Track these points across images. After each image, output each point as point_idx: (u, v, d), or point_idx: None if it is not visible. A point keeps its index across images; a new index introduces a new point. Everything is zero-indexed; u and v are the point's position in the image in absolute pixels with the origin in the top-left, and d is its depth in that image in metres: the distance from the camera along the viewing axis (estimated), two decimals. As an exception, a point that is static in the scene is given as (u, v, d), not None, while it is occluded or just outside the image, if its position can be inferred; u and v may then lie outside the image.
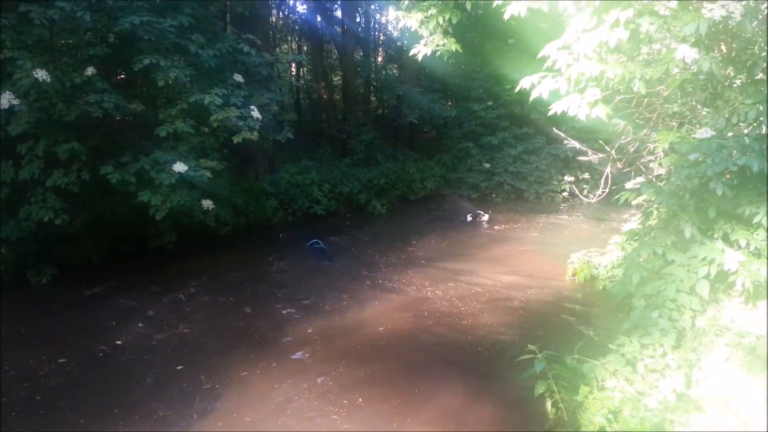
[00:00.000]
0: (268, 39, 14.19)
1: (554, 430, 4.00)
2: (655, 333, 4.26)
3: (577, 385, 4.09)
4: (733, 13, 4.05)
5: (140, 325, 6.46)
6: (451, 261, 9.08)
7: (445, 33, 6.60)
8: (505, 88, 14.59)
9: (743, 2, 4.37)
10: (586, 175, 14.33)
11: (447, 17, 6.41)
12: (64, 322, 6.46)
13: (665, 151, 5.30)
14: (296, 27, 19.45)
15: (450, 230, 11.57)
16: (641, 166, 6.65)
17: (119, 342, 6.00)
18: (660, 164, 5.53)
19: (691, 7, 4.63)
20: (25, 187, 7.35)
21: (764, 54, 4.47)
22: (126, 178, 7.30)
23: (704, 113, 5.46)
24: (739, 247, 4.32)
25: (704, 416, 3.68)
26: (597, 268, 7.23)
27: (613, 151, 6.66)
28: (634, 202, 5.90)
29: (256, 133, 8.21)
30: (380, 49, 20.24)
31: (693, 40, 4.53)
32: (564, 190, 14.59)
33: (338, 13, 17.52)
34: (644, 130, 6.31)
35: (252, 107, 8.26)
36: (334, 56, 19.46)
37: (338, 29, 17.41)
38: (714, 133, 4.50)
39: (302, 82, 19.63)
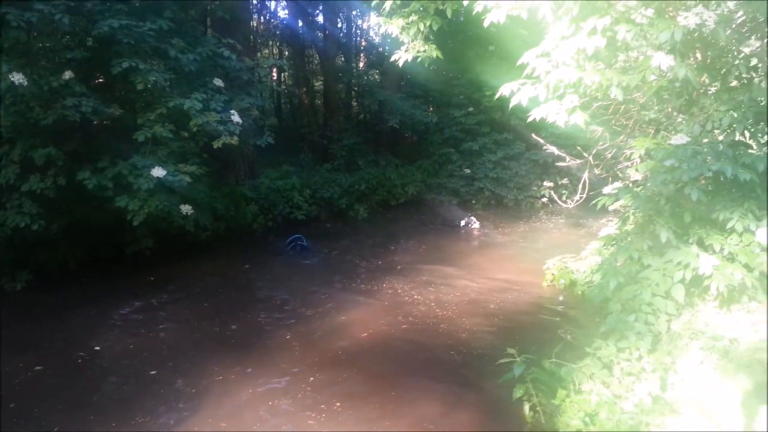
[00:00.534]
0: (249, 43, 14.10)
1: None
2: (631, 337, 4.32)
3: (554, 389, 4.12)
4: (707, 21, 4.13)
5: (117, 330, 6.37)
6: (431, 266, 9.09)
7: (426, 39, 6.63)
8: (485, 95, 14.69)
9: (717, 11, 4.47)
10: (565, 181, 14.48)
11: (428, 24, 6.44)
12: (41, 329, 6.34)
13: (641, 157, 5.39)
14: (277, 32, 19.36)
15: (431, 235, 11.60)
16: (618, 172, 6.75)
17: (97, 348, 5.90)
18: (636, 170, 5.62)
19: (666, 15, 4.73)
20: (0, 192, 7.21)
21: (737, 62, 4.57)
22: (103, 183, 7.20)
23: (680, 120, 5.56)
24: (714, 252, 4.40)
25: (679, 419, 3.73)
26: (575, 273, 7.30)
27: (590, 157, 6.75)
28: (611, 208, 5.98)
29: (236, 138, 8.16)
30: (362, 55, 20.26)
31: (668, 47, 4.62)
32: (543, 196, 14.72)
33: (320, 19, 17.50)
34: (621, 137, 6.41)
35: (232, 112, 8.21)
36: (316, 61, 19.43)
37: (320, 34, 17.39)
38: (689, 139, 4.59)
39: (283, 87, 19.57)
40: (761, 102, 4.45)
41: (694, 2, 4.63)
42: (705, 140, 4.72)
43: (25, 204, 7.05)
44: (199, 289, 7.86)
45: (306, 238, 10.40)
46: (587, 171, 6.85)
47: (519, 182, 14.86)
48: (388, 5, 6.45)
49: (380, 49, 18.55)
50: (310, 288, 7.99)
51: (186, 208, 7.83)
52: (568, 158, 7.11)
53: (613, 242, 5.94)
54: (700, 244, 4.55)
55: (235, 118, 8.17)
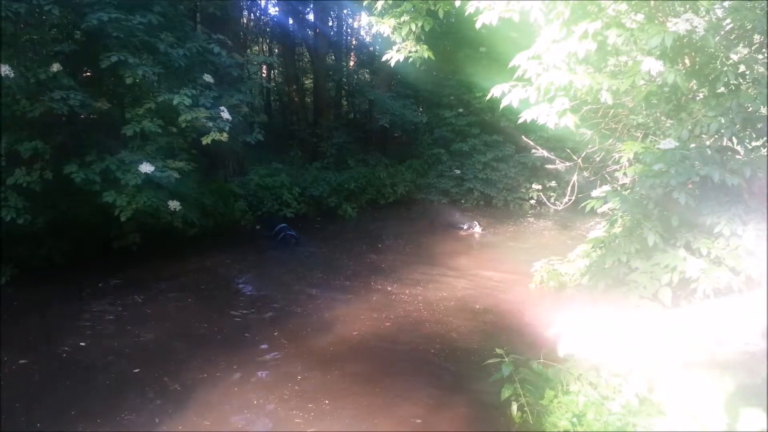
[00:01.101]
0: (239, 40, 14.03)
1: (520, 434, 4.04)
2: (618, 338, 4.35)
3: (542, 389, 4.15)
4: (696, 27, 4.18)
5: (102, 326, 6.30)
6: (419, 265, 9.10)
7: (418, 40, 6.64)
8: (475, 96, 14.76)
9: (705, 18, 4.53)
10: (554, 183, 14.59)
11: (419, 24, 6.45)
12: (25, 324, 6.25)
13: (630, 161, 5.44)
14: (268, 29, 19.28)
15: (420, 235, 11.61)
16: (607, 175, 6.81)
17: (82, 343, 5.84)
18: (625, 174, 5.68)
19: (656, 21, 4.77)
20: (-15, 185, 7.12)
21: (725, 69, 4.62)
22: (90, 178, 7.13)
23: (668, 125, 5.61)
24: (701, 255, 4.45)
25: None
26: (563, 275, 7.34)
27: (579, 160, 6.80)
28: (599, 210, 6.03)
29: (225, 135, 8.11)
30: (352, 54, 20.25)
31: (658, 52, 4.67)
32: (532, 198, 14.82)
33: (310, 17, 17.45)
34: (610, 140, 6.47)
35: (222, 108, 8.17)
36: (306, 59, 19.38)
37: (310, 32, 17.36)
38: (677, 144, 4.63)
39: (273, 84, 19.48)
40: (749, 108, 4.50)
41: (683, 9, 4.68)
42: (693, 145, 4.77)
43: (11, 197, 6.95)
44: (186, 285, 7.80)
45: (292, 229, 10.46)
46: (576, 174, 6.89)
47: (508, 184, 14.94)
48: (379, 5, 6.44)
49: (371, 49, 18.59)
50: (298, 285, 7.97)
51: (174, 204, 7.77)
52: (557, 161, 7.16)
53: (601, 245, 5.99)
54: (688, 247, 4.61)
55: (225, 114, 8.12)
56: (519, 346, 5.10)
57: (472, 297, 7.51)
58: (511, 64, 5.20)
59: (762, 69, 4.72)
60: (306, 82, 19.29)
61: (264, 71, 19.30)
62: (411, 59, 6.70)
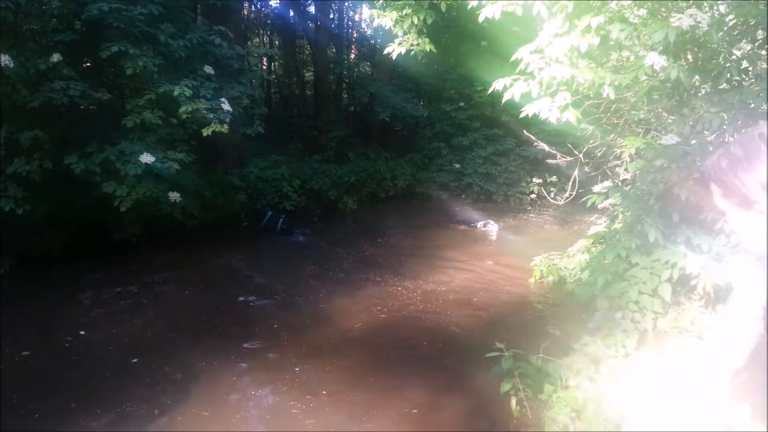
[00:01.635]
0: (240, 32, 13.96)
1: (519, 430, 4.04)
2: (618, 334, 4.37)
3: (541, 384, 4.15)
4: (700, 22, 4.15)
5: (102, 317, 6.30)
6: (419, 259, 9.11)
7: (420, 33, 6.60)
8: (476, 90, 14.72)
9: (708, 13, 4.50)
10: (554, 178, 14.57)
11: (422, 17, 6.41)
12: (26, 315, 6.25)
13: (631, 156, 5.42)
14: (269, 21, 19.20)
15: (420, 229, 11.60)
16: (608, 171, 6.79)
17: (82, 332, 5.85)
18: (626, 169, 5.66)
19: (660, 16, 4.75)
20: (-16, 175, 7.09)
21: (728, 64, 4.60)
22: (90, 169, 7.10)
23: (670, 120, 5.60)
24: (701, 252, 4.45)
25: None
26: (563, 270, 7.35)
27: (581, 155, 6.78)
28: (600, 206, 6.03)
29: (226, 126, 8.08)
30: (353, 47, 20.18)
31: (661, 48, 4.65)
32: (532, 192, 14.81)
33: (311, 9, 17.38)
34: (611, 135, 6.44)
35: (222, 100, 8.13)
36: (307, 52, 19.32)
37: (311, 25, 17.28)
38: (679, 139, 4.62)
39: (274, 76, 19.42)
40: (751, 104, 4.49)
41: (686, 3, 4.65)
42: (694, 141, 4.76)
43: (10, 188, 6.93)
44: (185, 277, 7.80)
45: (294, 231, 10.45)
46: (577, 169, 6.88)
47: (508, 178, 14.93)
48: (381, -3, 6.42)
49: (372, 42, 18.51)
50: (298, 278, 7.98)
51: (174, 196, 7.76)
52: (558, 155, 7.14)
53: (602, 240, 5.99)
54: (688, 243, 4.61)
55: (225, 106, 8.09)
56: (518, 340, 5.09)
57: (471, 291, 7.52)
58: (513, 58, 5.18)
59: (765, 65, 4.70)
60: (307, 74, 19.24)
61: (265, 63, 19.24)
62: (413, 53, 6.66)
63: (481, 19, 5.23)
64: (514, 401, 4.12)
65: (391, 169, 15.12)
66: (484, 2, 5.15)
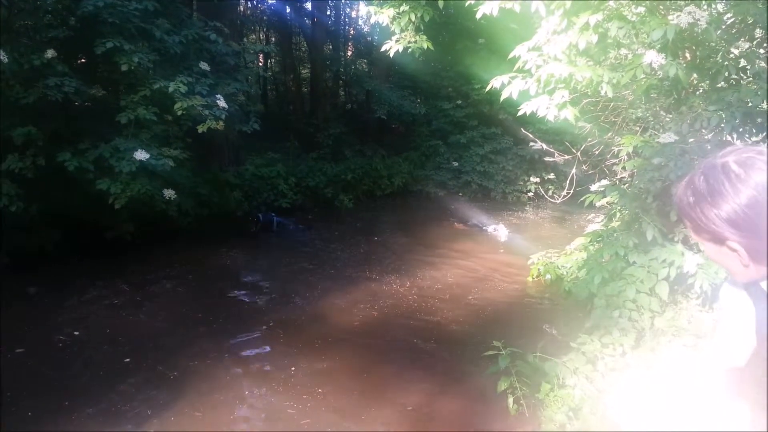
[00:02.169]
0: (236, 28, 13.90)
1: (515, 430, 4.02)
2: (615, 332, 4.34)
3: (538, 383, 4.13)
4: (699, 20, 4.13)
5: (96, 315, 6.26)
6: (415, 256, 9.08)
7: (417, 30, 6.57)
8: (474, 88, 14.69)
9: (707, 11, 4.48)
10: (552, 176, 14.56)
11: (419, 14, 6.38)
12: (20, 312, 6.19)
13: (629, 155, 5.41)
14: (265, 17, 19.14)
15: (417, 226, 11.57)
16: (605, 169, 6.77)
17: (76, 333, 5.80)
18: (624, 167, 5.65)
19: (658, 14, 4.72)
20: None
21: (726, 63, 4.59)
22: (84, 165, 7.05)
23: (668, 119, 5.58)
24: (699, 251, 4.43)
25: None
26: (560, 269, 7.33)
27: (578, 154, 6.76)
28: (597, 204, 6.01)
29: (221, 123, 8.04)
30: (350, 44, 20.12)
31: (659, 46, 4.62)
32: (530, 191, 14.80)
33: (308, 5, 17.33)
34: (609, 134, 6.43)
35: (218, 96, 8.09)
36: (303, 49, 19.26)
37: (308, 21, 17.23)
38: (677, 138, 4.60)
39: (270, 73, 19.37)
40: (749, 103, 4.47)
41: (685, 2, 4.63)
42: (692, 139, 4.74)
43: (4, 185, 6.87)
44: (180, 275, 7.76)
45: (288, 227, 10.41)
46: (574, 167, 6.86)
47: (506, 176, 14.91)
48: (379, -6, 6.38)
49: (369, 39, 18.46)
50: (294, 275, 7.94)
51: (169, 193, 7.71)
52: (555, 154, 7.12)
53: (599, 239, 5.97)
54: (686, 242, 4.59)
55: (221, 102, 8.04)
56: (515, 338, 5.07)
57: (468, 288, 7.49)
58: (511, 55, 5.16)
59: (763, 64, 4.68)
60: (303, 71, 19.17)
61: (261, 60, 19.18)
62: (410, 50, 6.63)
63: (478, 16, 5.20)
64: (511, 400, 4.10)
65: (387, 166, 15.08)
66: (481, -1, 5.12)
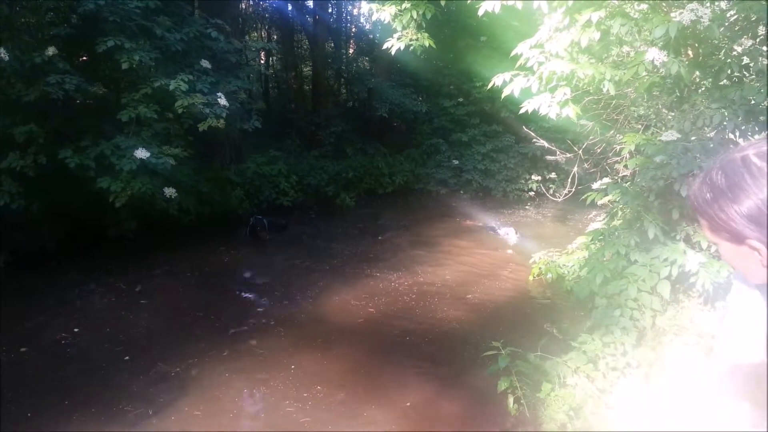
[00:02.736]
0: (237, 25, 13.88)
1: (515, 431, 4.01)
2: (616, 331, 4.32)
3: (539, 382, 4.12)
4: (701, 18, 4.10)
5: (97, 313, 6.28)
6: (416, 254, 9.05)
7: (419, 28, 6.54)
8: (475, 86, 14.64)
9: (710, 8, 4.45)
10: (553, 175, 14.51)
11: (421, 12, 6.34)
12: (21, 311, 6.19)
13: (631, 153, 5.38)
14: (266, 15, 19.09)
15: (418, 224, 11.54)
16: (607, 167, 6.75)
17: (76, 329, 5.81)
18: (626, 166, 5.62)
19: (661, 11, 4.70)
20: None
21: (729, 60, 4.56)
22: (85, 163, 7.05)
23: (670, 117, 5.56)
24: (701, 249, 4.41)
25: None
26: (562, 268, 7.31)
27: (580, 152, 6.74)
28: (599, 203, 5.98)
29: (222, 121, 8.03)
30: (352, 41, 20.06)
31: (662, 43, 4.60)
32: (531, 189, 14.75)
33: (310, 3, 17.30)
34: (611, 132, 6.41)
35: (219, 94, 8.07)
36: (305, 46, 19.21)
37: (309, 19, 17.20)
38: (679, 136, 4.58)
39: (271, 71, 19.32)
40: (752, 101, 4.44)
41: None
42: (694, 137, 4.72)
43: (5, 182, 6.88)
44: (181, 273, 7.76)
45: (290, 227, 10.37)
46: (576, 165, 6.84)
47: (507, 175, 14.85)
48: (380, -9, 6.35)
49: (371, 36, 18.41)
50: (294, 274, 7.93)
51: (170, 191, 7.71)
52: (557, 152, 7.10)
53: (601, 237, 5.94)
54: (688, 241, 4.57)
55: (222, 100, 8.03)
56: (515, 337, 5.06)
57: (469, 287, 7.47)
58: (513, 53, 5.13)
59: (766, 61, 4.65)
60: (305, 69, 19.13)
61: (262, 58, 19.15)
62: (412, 48, 6.59)
63: (480, 13, 5.18)
64: (511, 399, 4.08)
65: (389, 164, 15.05)
66: (483, -4, 5.09)
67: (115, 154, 7.07)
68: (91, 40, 7.24)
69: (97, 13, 7.08)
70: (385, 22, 6.52)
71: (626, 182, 5.88)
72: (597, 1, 4.58)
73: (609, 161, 6.63)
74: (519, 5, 5.03)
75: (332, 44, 18.43)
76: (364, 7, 17.89)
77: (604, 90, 4.74)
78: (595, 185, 5.81)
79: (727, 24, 4.88)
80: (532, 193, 14.72)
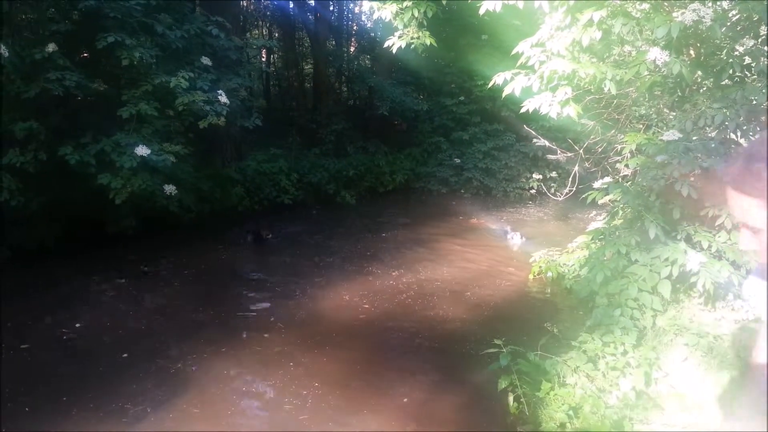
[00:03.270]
0: (239, 23, 13.86)
1: (515, 429, 4.01)
2: (616, 331, 4.32)
3: (539, 381, 4.12)
4: (704, 17, 4.10)
5: (97, 310, 6.27)
6: (416, 253, 9.05)
7: (420, 26, 6.53)
8: (477, 84, 14.64)
9: (711, 8, 4.44)
10: (554, 174, 14.50)
11: (422, 10, 6.34)
12: (22, 307, 6.19)
13: (632, 152, 5.38)
14: (268, 12, 19.06)
15: (419, 223, 11.54)
16: (608, 166, 6.75)
17: (77, 324, 5.82)
18: (626, 165, 5.62)
19: (662, 11, 4.69)
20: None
21: (731, 60, 4.56)
22: (85, 160, 7.05)
23: (671, 116, 5.55)
24: (702, 249, 4.41)
25: (663, 414, 3.74)
26: (562, 267, 7.31)
27: (581, 151, 6.73)
28: (600, 202, 5.98)
29: (223, 119, 8.03)
30: (353, 39, 20.04)
31: (663, 43, 4.59)
32: (532, 188, 14.74)
33: (311, 1, 17.27)
34: (612, 131, 6.40)
35: (219, 92, 8.07)
36: (306, 44, 19.17)
37: (311, 17, 17.17)
38: (681, 135, 4.58)
39: (272, 68, 19.30)
40: (753, 100, 4.44)
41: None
42: (696, 137, 4.71)
43: (5, 179, 6.87)
44: (181, 270, 7.76)
45: (291, 225, 10.33)
46: (577, 164, 6.84)
47: (508, 173, 14.85)
48: (382, -11, 6.34)
49: (372, 35, 18.38)
50: (294, 271, 7.93)
51: (170, 189, 7.71)
52: (558, 151, 7.10)
53: (601, 236, 5.94)
54: (688, 240, 4.57)
55: (223, 98, 8.03)
56: (516, 336, 5.06)
57: (469, 285, 7.47)
58: (514, 51, 5.13)
59: (767, 61, 4.65)
60: (306, 67, 19.11)
61: (263, 55, 19.13)
62: (413, 46, 6.59)
63: (481, 12, 5.17)
64: (511, 398, 4.09)
65: (390, 163, 15.05)
66: (485, -6, 5.08)
67: (116, 151, 7.07)
68: (92, 36, 7.23)
69: (98, 9, 7.08)
70: (386, 20, 6.51)
71: (627, 182, 5.88)
72: (598, 1, 4.58)
73: (610, 160, 6.62)
74: (520, 4, 5.02)
75: (333, 42, 18.40)
76: (366, 5, 17.94)
77: (606, 89, 4.73)
78: (596, 184, 5.81)
79: (729, 24, 4.87)
80: (533, 192, 14.71)
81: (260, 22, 19.90)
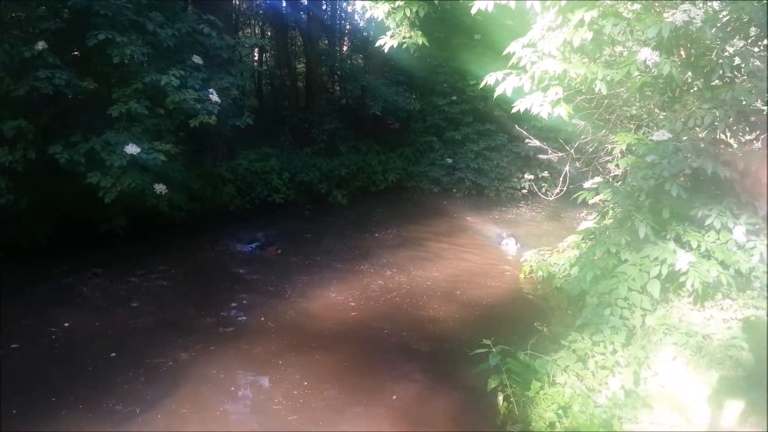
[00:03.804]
0: (231, 22, 13.80)
1: (504, 429, 4.01)
2: (606, 330, 4.34)
3: (529, 380, 4.13)
4: (694, 18, 4.12)
5: (88, 309, 6.24)
6: (407, 252, 9.04)
7: (412, 25, 6.53)
8: (469, 84, 14.65)
9: (702, 9, 4.46)
10: (546, 174, 14.54)
11: (414, 9, 6.34)
12: (13, 306, 6.15)
13: (623, 152, 5.40)
14: (260, 11, 19.01)
15: (410, 223, 11.53)
16: (599, 167, 6.77)
17: (66, 324, 5.80)
18: (617, 165, 5.64)
19: (653, 11, 4.71)
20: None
21: (721, 61, 4.58)
22: (75, 159, 6.99)
23: (661, 117, 5.58)
24: (691, 249, 4.44)
25: (652, 413, 3.76)
26: (552, 266, 7.33)
27: (572, 151, 6.75)
28: (590, 202, 6.00)
29: (214, 118, 7.99)
30: (346, 39, 20.01)
31: (654, 43, 4.61)
32: (523, 188, 14.78)
33: (304, 0, 17.22)
34: (603, 131, 6.42)
35: (211, 90, 8.03)
36: (299, 43, 19.14)
37: (303, 16, 17.13)
38: (671, 136, 4.60)
39: (265, 67, 19.25)
40: (743, 101, 4.47)
41: (680, 0, 4.61)
42: (686, 137, 4.74)
43: (-7, 177, 6.82)
44: (172, 269, 7.71)
45: (281, 225, 10.31)
46: (568, 164, 6.86)
47: (500, 173, 14.88)
48: (374, -11, 6.33)
49: (364, 34, 18.36)
50: (286, 271, 7.90)
51: (160, 188, 7.65)
52: (549, 151, 7.12)
53: (592, 236, 5.97)
54: (678, 240, 4.59)
55: (214, 96, 7.99)
56: (506, 336, 5.07)
57: (459, 285, 7.48)
58: (505, 51, 5.14)
59: (757, 62, 4.67)
60: (298, 66, 19.06)
61: (256, 54, 19.07)
62: (405, 45, 6.59)
63: (473, 11, 5.17)
64: (501, 398, 4.09)
65: (382, 162, 15.03)
66: (476, -5, 5.08)
67: (105, 150, 7.02)
68: (82, 35, 7.17)
69: (88, 7, 7.02)
70: (379, 19, 6.51)
71: (617, 181, 5.91)
72: (590, 1, 4.59)
73: (601, 160, 6.65)
74: (512, 4, 5.03)
75: (326, 41, 18.36)
76: (359, 4, 17.86)
77: (596, 89, 4.75)
78: (587, 184, 5.83)
79: (719, 25, 4.89)
80: (524, 192, 14.75)
81: (253, 21, 19.85)
